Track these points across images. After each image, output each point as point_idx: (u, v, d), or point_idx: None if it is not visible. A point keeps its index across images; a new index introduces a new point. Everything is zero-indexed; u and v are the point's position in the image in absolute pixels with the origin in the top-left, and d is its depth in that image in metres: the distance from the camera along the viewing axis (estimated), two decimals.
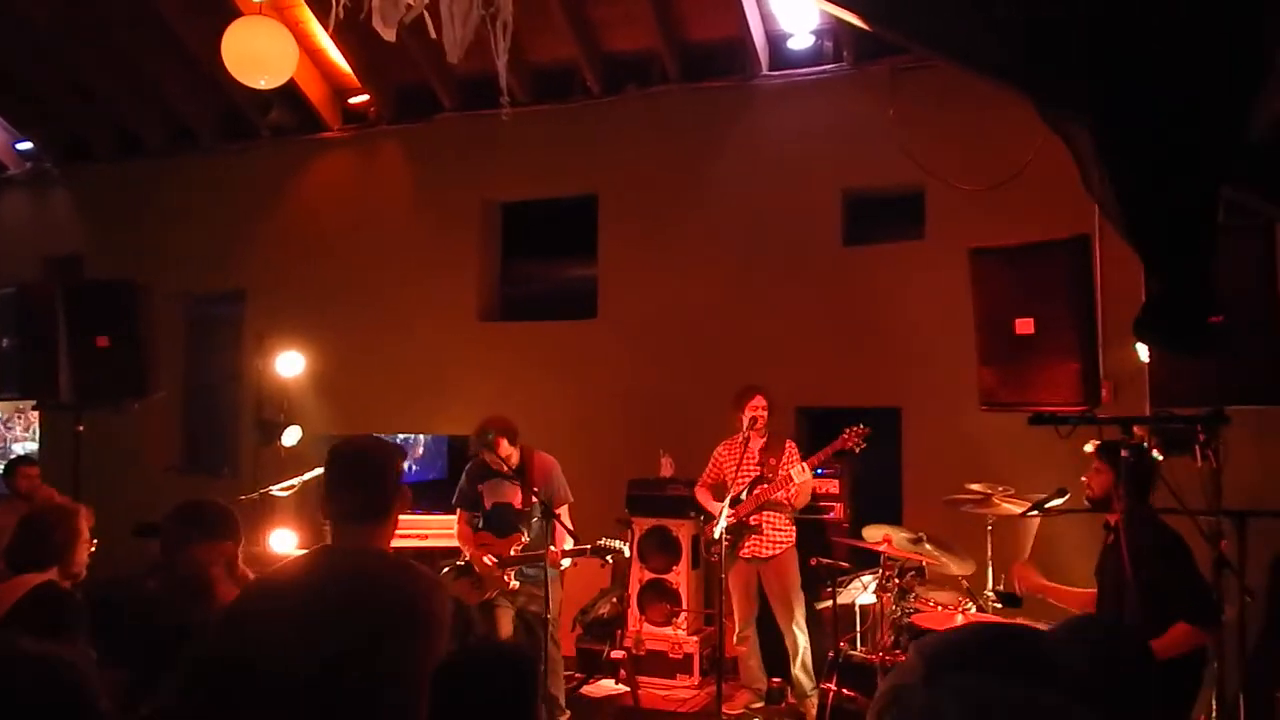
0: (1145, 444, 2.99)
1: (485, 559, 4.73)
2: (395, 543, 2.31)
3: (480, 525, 4.94)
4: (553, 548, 4.60)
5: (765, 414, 5.30)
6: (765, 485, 5.26)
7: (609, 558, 4.70)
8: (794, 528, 5.37)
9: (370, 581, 2.06)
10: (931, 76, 5.65)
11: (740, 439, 5.30)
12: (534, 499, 4.67)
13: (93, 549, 3.11)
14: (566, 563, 4.85)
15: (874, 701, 1.14)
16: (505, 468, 4.75)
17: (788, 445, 5.37)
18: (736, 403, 5.35)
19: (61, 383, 3.81)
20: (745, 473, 5.34)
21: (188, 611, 2.41)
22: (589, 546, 4.63)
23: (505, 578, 4.72)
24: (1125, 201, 1.32)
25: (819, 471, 5.57)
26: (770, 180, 6.57)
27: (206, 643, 2.09)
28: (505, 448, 4.77)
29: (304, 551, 2.20)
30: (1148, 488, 3.34)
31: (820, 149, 6.45)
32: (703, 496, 5.54)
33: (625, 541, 4.90)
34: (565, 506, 4.82)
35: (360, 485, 2.16)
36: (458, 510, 5.04)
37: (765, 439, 5.37)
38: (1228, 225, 3.26)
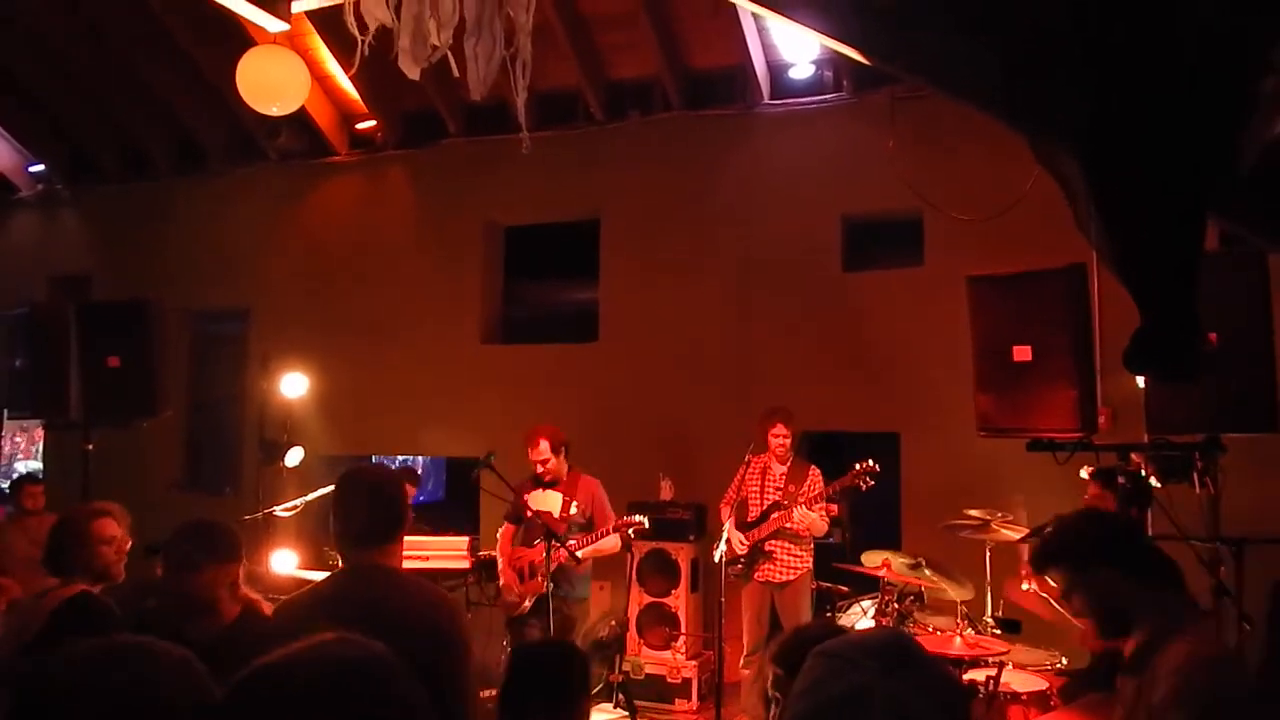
0: (1142, 471, 3.01)
1: (515, 589, 5.01)
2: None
3: (520, 538, 5.20)
4: (579, 555, 4.82)
5: (785, 441, 5.35)
6: (780, 512, 5.27)
7: (631, 532, 4.90)
8: (810, 554, 5.35)
9: (396, 603, 2.14)
10: (930, 106, 5.72)
11: (763, 460, 5.38)
12: (570, 513, 4.94)
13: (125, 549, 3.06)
14: (595, 558, 5.07)
15: (818, 709, 1.12)
16: (542, 471, 5.02)
17: (810, 473, 5.34)
18: (761, 422, 5.40)
19: (71, 402, 3.82)
20: (768, 495, 5.37)
21: (185, 630, 2.42)
22: (605, 530, 4.88)
23: (538, 580, 4.89)
24: (1113, 233, 1.36)
25: None
26: (770, 206, 6.63)
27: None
28: (543, 450, 4.99)
29: (326, 575, 2.28)
30: (1144, 512, 3.37)
31: (820, 176, 6.52)
32: (726, 516, 5.47)
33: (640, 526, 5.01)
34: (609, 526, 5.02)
35: (377, 508, 2.29)
36: (505, 524, 5.31)
37: (789, 463, 5.39)
38: (1223, 254, 3.31)
